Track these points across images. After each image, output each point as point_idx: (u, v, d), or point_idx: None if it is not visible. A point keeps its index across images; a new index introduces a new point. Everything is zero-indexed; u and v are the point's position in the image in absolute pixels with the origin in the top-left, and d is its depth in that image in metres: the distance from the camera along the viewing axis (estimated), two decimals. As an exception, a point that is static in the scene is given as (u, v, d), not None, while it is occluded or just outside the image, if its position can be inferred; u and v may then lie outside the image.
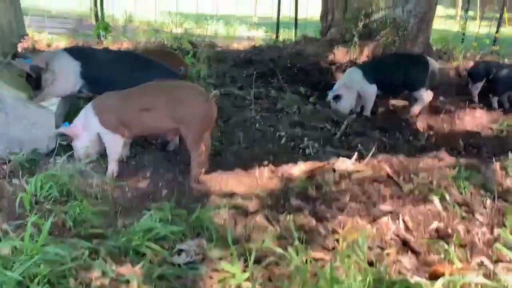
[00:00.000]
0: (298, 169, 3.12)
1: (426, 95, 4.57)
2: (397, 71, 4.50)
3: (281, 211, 2.55)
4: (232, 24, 10.60)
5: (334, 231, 2.31)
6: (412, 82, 4.51)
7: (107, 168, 2.93)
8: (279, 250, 2.01)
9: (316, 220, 2.45)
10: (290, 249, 1.99)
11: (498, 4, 11.07)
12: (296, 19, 9.34)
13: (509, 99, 5.32)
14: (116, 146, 2.89)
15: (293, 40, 8.33)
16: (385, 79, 4.51)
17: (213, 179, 2.91)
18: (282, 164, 3.23)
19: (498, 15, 9.69)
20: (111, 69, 3.36)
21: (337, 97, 4.46)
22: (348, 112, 4.50)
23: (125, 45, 6.99)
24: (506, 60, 7.76)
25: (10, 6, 3.64)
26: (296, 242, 2.01)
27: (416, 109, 4.59)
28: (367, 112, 4.57)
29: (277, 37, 9.06)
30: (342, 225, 2.38)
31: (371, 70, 4.54)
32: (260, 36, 9.68)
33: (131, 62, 3.47)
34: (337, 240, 2.21)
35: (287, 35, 9.35)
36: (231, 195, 2.71)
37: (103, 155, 3.02)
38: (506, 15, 12.26)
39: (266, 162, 3.23)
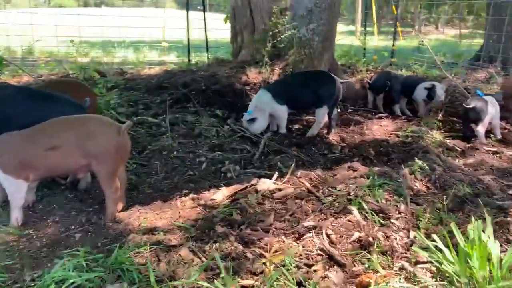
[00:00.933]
0: (221, 194, 3.07)
1: (324, 113, 4.65)
2: (305, 90, 4.63)
3: (206, 240, 2.47)
4: (141, 50, 10.38)
5: (261, 255, 2.28)
6: (319, 99, 4.62)
7: (10, 217, 2.64)
8: (207, 284, 1.93)
9: (243, 245, 2.41)
10: (217, 281, 1.92)
11: (392, 19, 12.08)
12: (207, 42, 9.39)
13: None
14: (19, 192, 2.62)
15: (206, 62, 8.34)
16: (294, 98, 4.63)
17: (131, 216, 2.75)
18: (204, 191, 3.17)
19: (393, 29, 10.55)
20: (9, 107, 3.05)
21: (252, 120, 4.51)
22: (259, 133, 4.57)
23: (25, 78, 6.50)
24: (403, 70, 8.47)
25: None
26: (223, 272, 1.94)
27: (315, 130, 4.65)
28: (282, 130, 4.66)
29: (189, 60, 9.02)
30: (269, 246, 2.36)
31: (279, 91, 4.62)
32: (172, 60, 9.58)
33: (31, 97, 3.18)
34: (265, 263, 2.18)
35: (199, 58, 9.36)
36: (152, 230, 2.58)
37: (5, 202, 2.72)
38: (399, 29, 13.44)
39: (187, 191, 3.15)
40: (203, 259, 2.27)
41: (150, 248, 2.33)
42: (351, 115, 5.61)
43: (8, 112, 2.96)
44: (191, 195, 3.06)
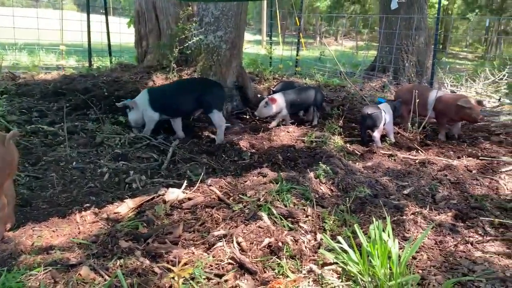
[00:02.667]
0: (125, 206, 2.91)
1: (220, 118, 4.68)
2: (186, 98, 4.61)
3: (109, 257, 2.30)
4: (36, 53, 9.57)
5: (169, 269, 2.17)
6: (207, 104, 4.63)
7: None
8: (109, 305, 1.78)
9: (150, 260, 2.29)
10: (121, 301, 1.79)
11: (296, 30, 12.60)
12: (109, 46, 8.95)
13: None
14: None
15: (109, 67, 7.94)
16: (172, 107, 4.60)
17: (23, 235, 2.48)
18: (107, 204, 2.98)
19: (296, 40, 11.00)
20: None
21: (128, 107, 4.54)
22: (134, 126, 4.61)
23: None
24: (306, 79, 8.86)
25: None
26: (128, 292, 1.81)
27: (220, 136, 4.67)
28: (147, 132, 4.57)
29: (90, 65, 8.52)
30: (177, 260, 2.26)
31: (157, 97, 4.59)
32: (71, 65, 8.96)
33: None
34: (174, 278, 2.08)
35: (102, 62, 8.88)
36: (48, 249, 2.34)
37: None
38: (302, 40, 14.08)
39: (87, 204, 2.92)
40: (106, 277, 2.11)
41: (44, 269, 2.10)
42: (259, 121, 5.69)
43: None
44: (92, 209, 2.85)
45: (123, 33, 8.89)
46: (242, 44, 6.56)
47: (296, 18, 13.00)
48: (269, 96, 5.36)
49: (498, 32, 21.61)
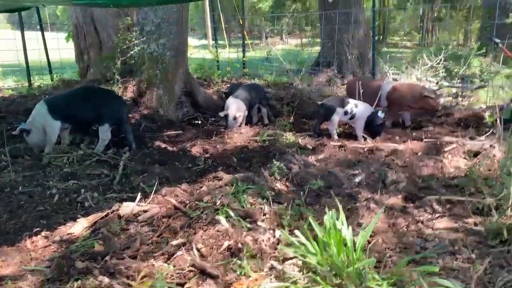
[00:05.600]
0: (79, 226, 2.82)
1: (107, 132, 4.51)
2: (84, 106, 4.46)
3: (65, 280, 2.22)
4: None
5: (129, 284, 2.13)
6: (100, 116, 4.48)
7: None
8: (68, 329, 1.73)
9: (109, 277, 2.23)
10: (80, 323, 1.74)
11: (241, 32, 12.66)
12: (49, 63, 8.62)
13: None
14: None
15: (51, 85, 7.65)
16: (72, 113, 4.42)
17: (-31, 268, 2.34)
18: (59, 226, 2.87)
19: (242, 42, 11.05)
20: None
21: (25, 131, 4.29)
22: (40, 146, 4.38)
23: None
24: (255, 79, 8.93)
25: None
26: (87, 313, 1.76)
27: (100, 147, 4.47)
28: (47, 149, 4.32)
29: (30, 84, 8.17)
30: (137, 273, 2.22)
31: (57, 105, 4.43)
32: (9, 86, 8.55)
33: None
34: (135, 292, 2.05)
35: (43, 80, 8.54)
36: (-2, 280, 2.23)
37: None
38: (248, 41, 14.16)
39: (38, 229, 2.81)
40: (64, 301, 2.04)
41: (-5, 302, 2.00)
42: (212, 125, 5.69)
43: None
44: (43, 233, 2.74)
45: (62, 48, 8.59)
46: (186, 49, 6.53)
47: (240, 19, 13.08)
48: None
49: (432, 20, 22.71)
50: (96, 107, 4.45)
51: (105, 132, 4.49)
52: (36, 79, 8.71)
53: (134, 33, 5.96)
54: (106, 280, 2.20)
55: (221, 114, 5.33)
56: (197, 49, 12.87)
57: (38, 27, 8.82)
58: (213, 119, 6.09)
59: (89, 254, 2.48)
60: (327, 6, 9.70)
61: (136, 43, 5.89)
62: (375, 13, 8.66)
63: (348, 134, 5.24)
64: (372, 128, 4.99)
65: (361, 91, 5.36)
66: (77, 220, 2.91)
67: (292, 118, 5.68)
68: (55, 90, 7.05)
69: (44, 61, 8.64)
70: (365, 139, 4.93)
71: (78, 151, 4.26)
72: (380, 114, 4.92)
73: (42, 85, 7.98)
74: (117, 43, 6.07)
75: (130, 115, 5.50)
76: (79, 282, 2.18)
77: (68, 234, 2.74)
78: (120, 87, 5.84)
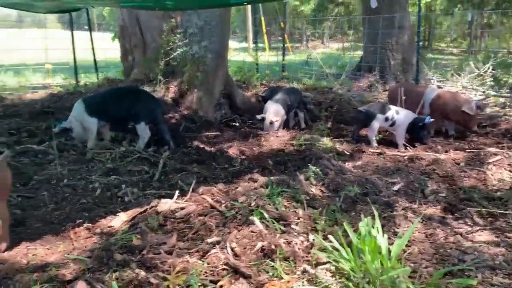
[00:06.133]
0: (119, 220, 2.92)
1: (144, 130, 4.66)
2: (118, 104, 4.63)
3: (105, 271, 2.31)
4: (23, 73, 9.56)
5: (164, 278, 2.19)
6: (135, 115, 4.63)
7: None
8: (105, 317, 1.80)
9: (145, 271, 2.30)
10: (117, 312, 1.81)
11: (281, 35, 12.71)
12: (95, 62, 8.97)
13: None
14: None
15: (96, 83, 7.96)
16: (106, 111, 4.61)
17: (18, 254, 2.49)
18: (100, 219, 2.99)
19: (282, 45, 11.10)
20: None
21: (66, 130, 4.53)
22: (83, 141, 4.59)
23: None
24: (294, 83, 8.93)
25: None
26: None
27: (141, 143, 4.65)
28: (89, 144, 4.53)
29: (77, 82, 8.52)
30: (172, 268, 2.28)
31: (93, 103, 4.63)
32: (58, 83, 8.96)
33: None
34: (168, 286, 2.10)
35: (89, 79, 8.90)
36: (43, 267, 2.35)
37: None
38: (288, 44, 14.19)
39: (81, 220, 2.94)
40: (102, 291, 2.12)
41: (41, 286, 2.11)
42: (249, 128, 5.73)
43: None
44: (85, 225, 2.86)
45: (108, 48, 8.92)
46: (227, 52, 6.63)
47: (281, 23, 13.12)
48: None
49: (481, 26, 21.91)
50: (129, 106, 4.61)
51: (143, 130, 4.63)
52: (83, 77, 9.09)
53: (177, 35, 6.10)
54: (142, 273, 2.27)
55: (259, 117, 5.36)
56: (237, 52, 12.99)
57: (86, 27, 9.21)
58: (250, 121, 6.14)
59: (127, 247, 2.56)
60: (371, 10, 9.57)
61: (179, 45, 6.03)
62: (421, 18, 8.45)
63: (388, 141, 5.15)
64: (415, 135, 4.86)
65: (404, 98, 5.26)
66: (117, 214, 3.01)
67: (330, 123, 5.64)
68: (100, 89, 7.32)
69: (91, 60, 8.99)
70: (405, 147, 4.82)
71: (120, 148, 4.41)
72: (428, 121, 4.76)
73: (88, 83, 8.30)
74: (161, 45, 6.24)
75: (170, 115, 5.65)
76: (117, 273, 2.26)
77: (109, 227, 2.85)
78: (162, 88, 5.99)
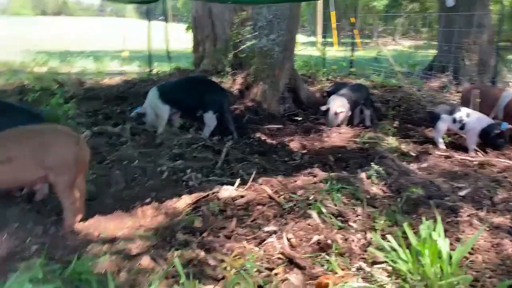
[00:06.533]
0: (183, 202, 3.07)
1: (211, 119, 4.82)
2: (188, 93, 4.82)
3: (168, 248, 2.46)
4: (102, 59, 10.21)
5: (222, 260, 2.29)
6: (203, 104, 4.80)
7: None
8: (167, 291, 1.93)
9: (205, 252, 2.42)
10: (177, 287, 1.93)
11: (351, 30, 12.47)
12: (168, 52, 9.36)
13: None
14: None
15: (167, 72, 8.31)
16: (178, 99, 4.83)
17: (91, 226, 2.70)
18: (166, 200, 3.15)
19: (351, 40, 10.90)
20: None
21: (140, 115, 4.81)
22: (154, 126, 4.84)
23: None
24: (361, 79, 8.74)
25: None
26: (183, 278, 1.94)
27: (207, 132, 4.81)
28: (159, 130, 4.76)
29: (150, 70, 8.96)
30: (230, 252, 2.38)
31: (166, 91, 4.84)
32: (132, 70, 9.47)
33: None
34: (226, 268, 2.20)
35: (161, 67, 9.31)
36: (112, 240, 2.54)
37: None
38: (358, 40, 13.88)
39: (148, 200, 3.12)
40: (164, 266, 2.26)
41: (110, 257, 2.29)
42: (311, 123, 5.73)
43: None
44: (152, 204, 3.04)
45: (182, 38, 9.26)
46: (294, 46, 6.64)
47: (351, 18, 12.86)
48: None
49: None
50: (199, 95, 4.79)
51: (209, 119, 4.80)
52: (156, 65, 9.53)
53: (247, 28, 6.22)
54: (202, 253, 2.39)
55: (323, 108, 5.32)
56: (305, 46, 12.93)
57: (162, 17, 9.63)
58: (313, 116, 6.12)
59: (189, 228, 2.70)
60: (448, 8, 9.10)
61: (248, 37, 6.14)
62: (504, 17, 7.91)
63: (457, 144, 4.91)
64: (489, 141, 4.58)
65: (478, 100, 4.98)
66: (182, 196, 3.16)
67: (396, 122, 5.48)
68: (171, 78, 7.65)
69: (164, 49, 9.40)
70: (476, 152, 4.58)
71: (187, 135, 4.61)
72: (505, 127, 4.47)
73: (160, 71, 8.70)
74: (230, 37, 6.39)
75: (235, 106, 5.78)
76: (179, 252, 2.40)
77: (173, 208, 3.00)
78: (229, 79, 6.15)
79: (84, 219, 2.80)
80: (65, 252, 2.40)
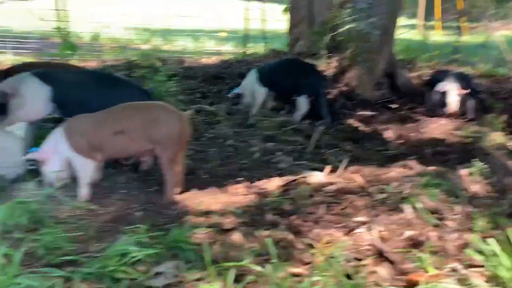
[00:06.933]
0: (273, 184, 3.14)
1: (304, 103, 4.75)
2: (286, 76, 4.78)
3: (257, 227, 2.55)
4: (200, 39, 10.63)
5: (310, 245, 2.32)
6: (299, 87, 4.75)
7: (78, 192, 2.86)
8: (258, 268, 2.01)
9: (293, 235, 2.47)
10: (268, 266, 2.00)
11: (458, 13, 11.57)
12: (264, 33, 9.46)
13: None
14: (87, 170, 2.83)
15: (261, 53, 8.42)
16: (276, 82, 4.83)
17: (188, 198, 2.89)
18: (256, 180, 3.25)
19: (457, 24, 10.11)
20: (82, 91, 3.30)
21: (238, 95, 4.92)
22: (249, 107, 4.92)
23: (92, 64, 6.89)
24: (466, 67, 8.10)
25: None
26: (274, 259, 2.01)
27: (298, 116, 4.76)
28: (253, 111, 4.80)
29: (245, 51, 9.14)
30: (318, 238, 2.40)
31: (265, 73, 4.86)
32: (228, 50, 9.74)
33: (102, 82, 3.42)
34: (314, 254, 2.23)
35: (255, 48, 9.45)
36: (207, 213, 2.69)
37: (74, 178, 2.95)
38: (465, 24, 12.82)
39: (240, 178, 3.24)
40: (254, 244, 2.35)
41: (205, 230, 2.44)
42: (408, 111, 5.46)
43: (82, 96, 3.20)
44: (244, 183, 3.15)
45: (278, 20, 9.29)
46: (394, 30, 6.33)
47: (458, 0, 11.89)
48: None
49: None
50: (296, 78, 4.78)
51: (303, 103, 4.79)
52: (251, 46, 9.70)
53: (346, 10, 6.05)
54: (290, 236, 2.44)
55: (438, 88, 5.03)
56: (406, 29, 12.24)
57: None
58: (411, 104, 5.83)
59: (278, 210, 2.76)
60: None
61: (347, 20, 5.98)
62: None
63: None
64: None
65: None
66: (271, 178, 3.24)
67: (505, 116, 5.02)
68: (265, 59, 7.74)
69: (260, 30, 9.51)
70: None
71: (279, 118, 4.67)
72: None
73: (254, 53, 8.83)
74: (327, 19, 6.28)
75: (329, 91, 5.70)
76: (268, 232, 2.48)
77: (263, 188, 3.09)
78: (324, 62, 6.07)
79: (183, 191, 3.00)
80: (165, 220, 2.60)
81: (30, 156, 2.87)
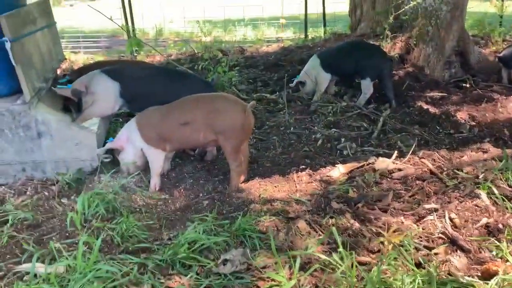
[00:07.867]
0: (337, 171, 3.10)
1: (368, 86, 4.63)
2: (349, 59, 4.65)
3: (322, 215, 2.53)
4: (259, 27, 10.63)
5: (378, 233, 2.27)
6: (363, 70, 4.60)
7: (149, 182, 3.01)
8: (324, 257, 2.00)
9: (359, 223, 2.42)
10: (334, 254, 1.98)
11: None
12: (324, 16, 9.25)
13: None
14: (158, 160, 2.98)
15: (322, 38, 8.25)
16: (340, 66, 4.75)
17: (252, 187, 2.93)
18: (320, 167, 3.22)
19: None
20: (149, 86, 3.46)
21: (301, 83, 4.85)
22: (311, 94, 4.88)
23: (157, 58, 7.16)
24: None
25: (48, 34, 3.81)
26: (341, 247, 1.99)
27: (362, 100, 4.60)
28: (316, 97, 4.77)
29: (305, 36, 9.00)
30: (386, 226, 2.34)
31: (327, 59, 4.79)
32: (288, 37, 9.65)
33: (167, 76, 3.56)
34: (382, 243, 2.17)
35: (316, 33, 9.28)
36: (271, 201, 2.72)
37: (145, 170, 3.10)
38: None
39: (303, 166, 3.23)
40: (319, 232, 2.34)
41: (269, 218, 2.46)
42: (482, 90, 5.11)
43: (148, 91, 3.36)
44: (307, 171, 3.14)
45: (338, 2, 9.04)
46: (465, 3, 5.90)
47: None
48: None
49: None
50: (359, 60, 4.63)
51: (367, 86, 4.64)
52: (311, 31, 9.53)
53: (411, -13, 5.74)
54: (356, 224, 2.40)
55: None
56: (479, 2, 11.38)
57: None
58: (485, 83, 5.43)
59: (344, 198, 2.72)
60: None
61: (412, -3, 5.68)
62: None
63: None
64: None
65: None
66: (336, 165, 3.19)
67: None
68: (326, 43, 7.58)
69: (320, 13, 9.31)
70: None
71: (342, 103, 4.56)
72: None
73: (315, 37, 8.68)
74: (392, -2, 6.00)
75: (394, 72, 5.47)
76: (333, 220, 2.45)
77: (327, 176, 3.06)
78: (388, 43, 5.82)
79: (247, 180, 3.05)
80: (231, 208, 2.66)
81: (107, 146, 3.06)
